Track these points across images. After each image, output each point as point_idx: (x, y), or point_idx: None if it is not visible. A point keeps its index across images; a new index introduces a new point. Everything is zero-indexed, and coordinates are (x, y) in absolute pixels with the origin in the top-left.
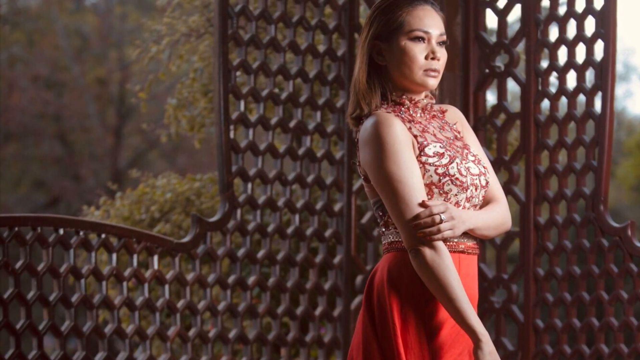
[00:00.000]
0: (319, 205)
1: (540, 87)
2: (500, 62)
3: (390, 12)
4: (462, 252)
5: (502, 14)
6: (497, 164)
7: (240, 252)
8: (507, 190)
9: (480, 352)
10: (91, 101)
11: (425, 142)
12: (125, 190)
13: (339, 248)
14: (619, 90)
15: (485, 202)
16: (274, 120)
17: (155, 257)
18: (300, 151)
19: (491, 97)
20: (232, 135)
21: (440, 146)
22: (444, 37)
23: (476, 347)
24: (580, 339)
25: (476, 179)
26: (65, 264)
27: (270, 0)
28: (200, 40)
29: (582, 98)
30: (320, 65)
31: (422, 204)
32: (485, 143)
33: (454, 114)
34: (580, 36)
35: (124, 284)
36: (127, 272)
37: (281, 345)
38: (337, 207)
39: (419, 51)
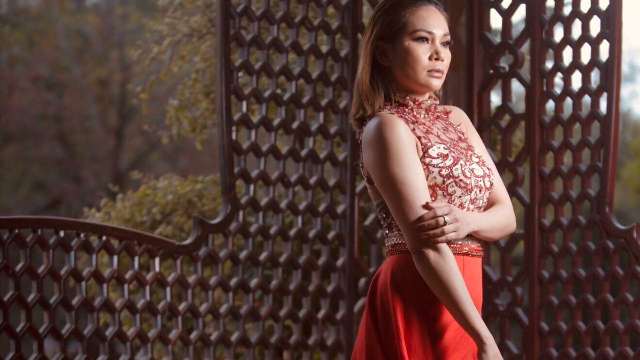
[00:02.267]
0: (321, 207)
1: (545, 88)
2: (504, 63)
3: (394, 13)
4: (466, 254)
5: (506, 14)
6: (501, 166)
7: (243, 255)
8: (512, 191)
9: (485, 355)
10: (92, 102)
11: (429, 144)
12: (127, 192)
13: (342, 250)
14: (625, 91)
15: (490, 204)
16: (276, 122)
17: (157, 260)
18: (303, 152)
19: (495, 98)
20: (234, 136)
21: (444, 147)
22: (448, 38)
23: (480, 350)
24: (586, 342)
25: (480, 181)
26: (66, 266)
27: (273, 1)
28: (202, 40)
29: (587, 99)
30: (323, 66)
31: (426, 206)
32: (489, 144)
33: (458, 115)
34: (585, 36)
35: (125, 286)
36: (128, 275)
37: (284, 348)
38: (340, 209)
39: (422, 52)
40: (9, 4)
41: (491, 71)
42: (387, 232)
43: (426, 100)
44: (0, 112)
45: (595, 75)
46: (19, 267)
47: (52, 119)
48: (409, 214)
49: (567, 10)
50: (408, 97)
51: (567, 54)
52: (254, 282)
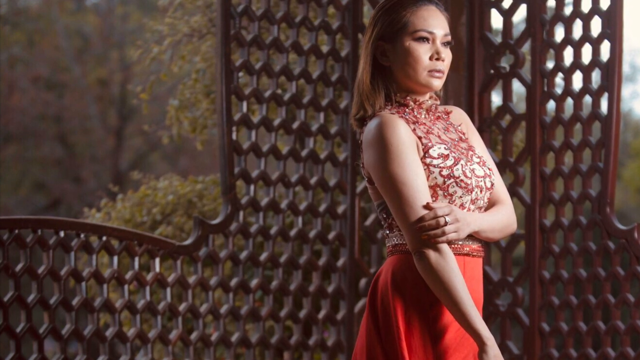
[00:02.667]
0: (322, 208)
1: (545, 88)
2: (505, 63)
3: (395, 13)
4: (467, 254)
5: (507, 14)
6: (502, 166)
7: (243, 255)
8: (513, 192)
9: (486, 355)
10: (92, 102)
11: (429, 144)
12: (127, 192)
13: (343, 251)
14: (626, 91)
15: (490, 205)
16: (276, 122)
17: (157, 260)
18: (304, 153)
19: (496, 98)
20: (234, 136)
21: (444, 148)
22: (449, 38)
23: (481, 350)
24: (586, 343)
25: (481, 181)
26: (66, 266)
27: (273, 1)
28: (202, 40)
29: (588, 99)
30: (323, 66)
31: (427, 206)
32: (490, 144)
33: (459, 115)
34: (586, 36)
35: (125, 286)
36: (128, 275)
37: (284, 348)
38: (340, 209)
39: (423, 52)
40: (9, 4)
41: (492, 71)
42: (387, 232)
43: (427, 101)
44: (0, 112)
45: (596, 76)
46: (19, 267)
47: (52, 119)
48: (409, 214)
49: (568, 10)
50: (409, 97)
51: (568, 54)
52: (254, 283)
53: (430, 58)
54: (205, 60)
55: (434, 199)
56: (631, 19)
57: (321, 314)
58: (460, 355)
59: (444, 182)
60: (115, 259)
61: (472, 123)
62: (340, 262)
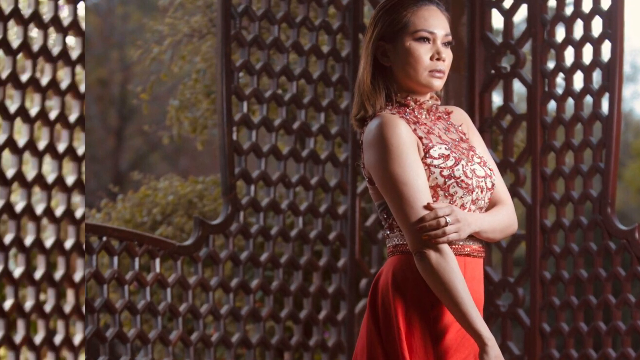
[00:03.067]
0: (322, 208)
1: (546, 88)
2: (506, 63)
3: (395, 12)
4: (468, 255)
5: (508, 14)
6: (503, 166)
7: (243, 255)
8: (513, 192)
9: (486, 356)
10: (92, 102)
11: (430, 144)
12: (127, 193)
13: (343, 251)
14: (627, 91)
15: (491, 205)
16: (277, 122)
17: (157, 260)
18: (304, 153)
19: (497, 98)
20: (234, 136)
21: (445, 148)
22: (450, 38)
23: (482, 351)
24: (587, 343)
25: (482, 181)
26: None
27: (274, 1)
28: (202, 40)
29: (589, 99)
30: (324, 66)
31: (427, 207)
32: (491, 145)
33: (460, 115)
34: (587, 36)
35: (126, 287)
36: (128, 275)
37: (284, 349)
38: (341, 209)
39: (424, 52)
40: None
41: (493, 71)
42: (388, 232)
43: (427, 101)
44: None
45: (597, 76)
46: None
47: None
48: (410, 214)
49: (568, 10)
50: (409, 98)
51: (569, 54)
52: (254, 283)
53: (431, 58)
54: (205, 60)
55: (434, 199)
56: (632, 19)
57: (322, 315)
58: (461, 355)
59: (445, 183)
60: (116, 259)
61: (472, 123)
62: (340, 263)
